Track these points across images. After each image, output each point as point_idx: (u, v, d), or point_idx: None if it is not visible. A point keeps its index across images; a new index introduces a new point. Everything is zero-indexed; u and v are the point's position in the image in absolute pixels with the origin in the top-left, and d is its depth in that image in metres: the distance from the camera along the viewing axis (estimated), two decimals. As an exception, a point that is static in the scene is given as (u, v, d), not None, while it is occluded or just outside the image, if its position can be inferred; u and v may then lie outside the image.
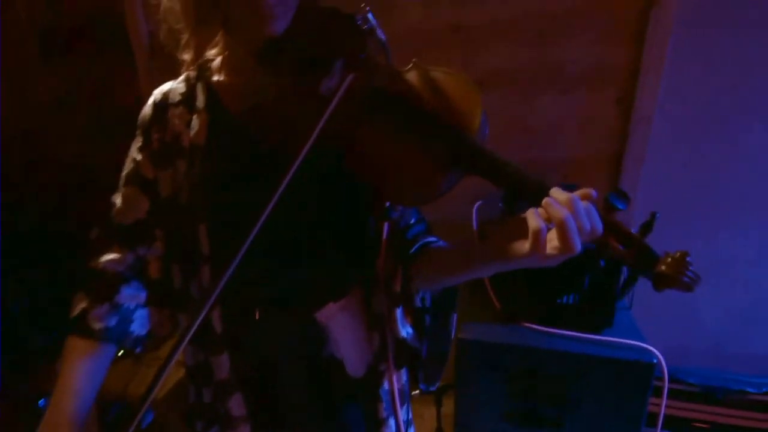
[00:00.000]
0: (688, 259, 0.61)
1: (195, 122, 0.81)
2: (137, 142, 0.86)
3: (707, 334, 1.96)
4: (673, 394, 1.81)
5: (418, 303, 0.88)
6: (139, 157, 0.85)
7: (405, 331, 0.90)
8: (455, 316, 0.92)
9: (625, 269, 1.14)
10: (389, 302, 0.88)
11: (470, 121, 0.68)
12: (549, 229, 0.61)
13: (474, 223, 1.48)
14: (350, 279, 0.89)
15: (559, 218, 0.58)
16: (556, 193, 0.61)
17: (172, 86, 0.86)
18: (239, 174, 0.80)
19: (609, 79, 1.72)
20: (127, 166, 0.86)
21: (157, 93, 0.86)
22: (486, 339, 1.41)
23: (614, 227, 0.63)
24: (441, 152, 0.67)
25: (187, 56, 0.85)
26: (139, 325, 0.85)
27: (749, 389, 1.78)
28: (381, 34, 0.72)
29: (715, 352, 1.98)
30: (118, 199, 0.86)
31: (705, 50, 1.66)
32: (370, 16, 0.71)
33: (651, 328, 1.43)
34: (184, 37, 0.82)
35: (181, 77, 0.87)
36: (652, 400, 1.35)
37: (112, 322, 0.81)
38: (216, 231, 0.79)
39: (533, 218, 0.60)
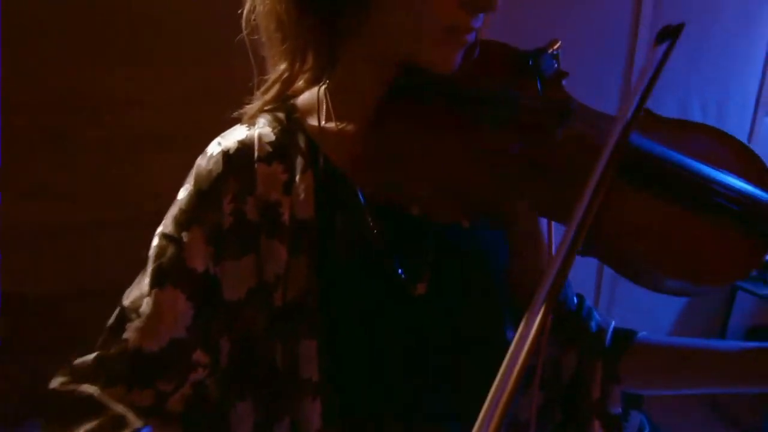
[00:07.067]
0: None
1: (300, 187, 0.55)
2: (186, 211, 0.55)
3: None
4: None
5: (615, 410, 0.64)
6: (185, 237, 0.54)
7: None
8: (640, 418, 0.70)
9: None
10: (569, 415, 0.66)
11: None
12: None
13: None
14: None
15: None
16: None
17: (254, 132, 0.58)
18: (369, 265, 0.57)
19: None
20: (157, 250, 0.54)
21: (230, 141, 0.57)
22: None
23: None
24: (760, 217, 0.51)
25: (272, 92, 0.59)
26: None
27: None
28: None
29: None
30: (140, 307, 0.53)
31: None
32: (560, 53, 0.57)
33: None
34: (273, 54, 0.57)
35: (265, 118, 0.59)
36: None
37: None
38: (334, 348, 0.55)
39: None
